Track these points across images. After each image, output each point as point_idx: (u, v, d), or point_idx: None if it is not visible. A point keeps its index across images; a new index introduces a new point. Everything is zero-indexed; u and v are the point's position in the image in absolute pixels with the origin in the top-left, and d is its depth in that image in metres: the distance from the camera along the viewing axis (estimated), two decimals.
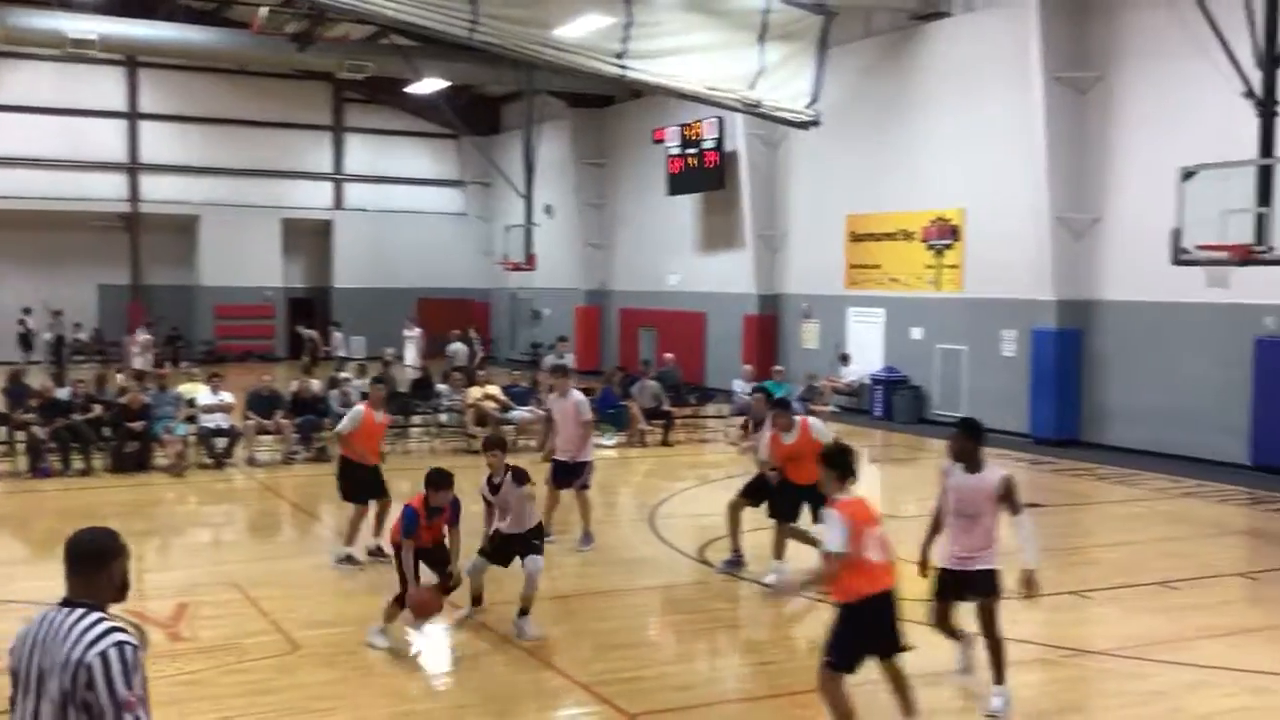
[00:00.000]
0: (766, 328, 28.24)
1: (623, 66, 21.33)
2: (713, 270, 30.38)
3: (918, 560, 7.61)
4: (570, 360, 19.59)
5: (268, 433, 18.16)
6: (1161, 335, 19.20)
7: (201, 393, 18.47)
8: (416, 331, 29.08)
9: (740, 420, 21.09)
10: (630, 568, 11.77)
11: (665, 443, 20.61)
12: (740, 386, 22.27)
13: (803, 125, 23.41)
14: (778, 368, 23.96)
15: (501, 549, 9.32)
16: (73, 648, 3.61)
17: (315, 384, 19.65)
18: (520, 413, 19.82)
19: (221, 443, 17.70)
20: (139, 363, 27.32)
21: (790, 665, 8.73)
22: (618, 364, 28.18)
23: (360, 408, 11.91)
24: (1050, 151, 20.18)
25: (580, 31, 20.95)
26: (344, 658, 8.58)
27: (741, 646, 9.60)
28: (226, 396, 18.27)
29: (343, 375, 20.60)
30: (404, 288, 40.26)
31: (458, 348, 27.93)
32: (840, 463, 6.60)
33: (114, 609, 3.81)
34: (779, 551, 10.85)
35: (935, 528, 7.62)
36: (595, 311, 35.68)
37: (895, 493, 16.13)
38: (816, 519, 10.58)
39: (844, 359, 25.24)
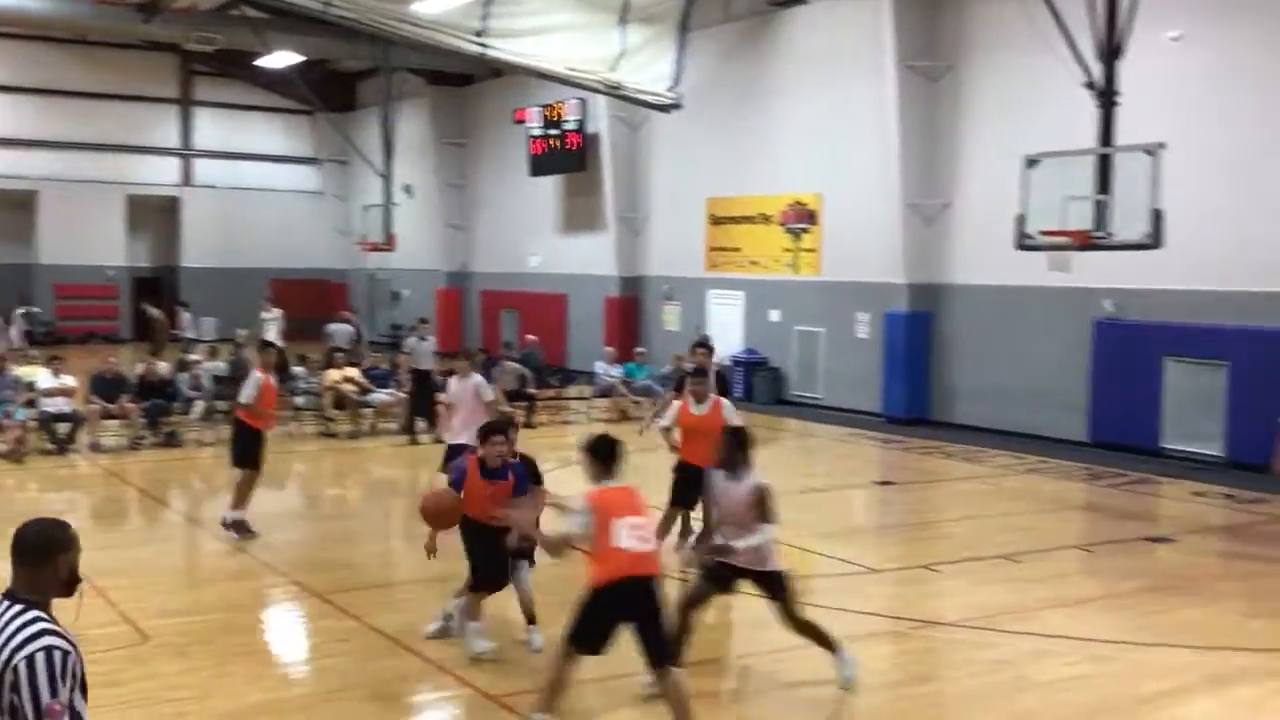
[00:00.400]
0: (628, 310, 28.38)
1: (483, 45, 21.20)
2: (574, 252, 30.36)
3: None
4: (432, 342, 19.37)
5: (113, 417, 17.53)
6: (1006, 318, 19.91)
7: (41, 375, 17.68)
8: (276, 312, 28.27)
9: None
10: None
11: (528, 424, 20.51)
12: (602, 369, 22.36)
13: (664, 108, 23.62)
14: (639, 349, 24.14)
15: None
16: (2, 647, 3.49)
17: (163, 366, 19.05)
18: (380, 395, 19.54)
19: (64, 428, 17.02)
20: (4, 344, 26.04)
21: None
22: (480, 346, 27.97)
23: (257, 374, 12.14)
24: (902, 139, 20.71)
25: (439, 7, 20.72)
26: (197, 647, 8.36)
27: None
28: (68, 380, 17.55)
29: (192, 357, 19.99)
30: (257, 267, 39.16)
31: (339, 328, 27.32)
32: (601, 453, 6.72)
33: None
34: (661, 531, 10.51)
35: (706, 531, 7.72)
36: (456, 293, 35.34)
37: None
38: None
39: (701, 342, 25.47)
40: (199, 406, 18.15)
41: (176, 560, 11.66)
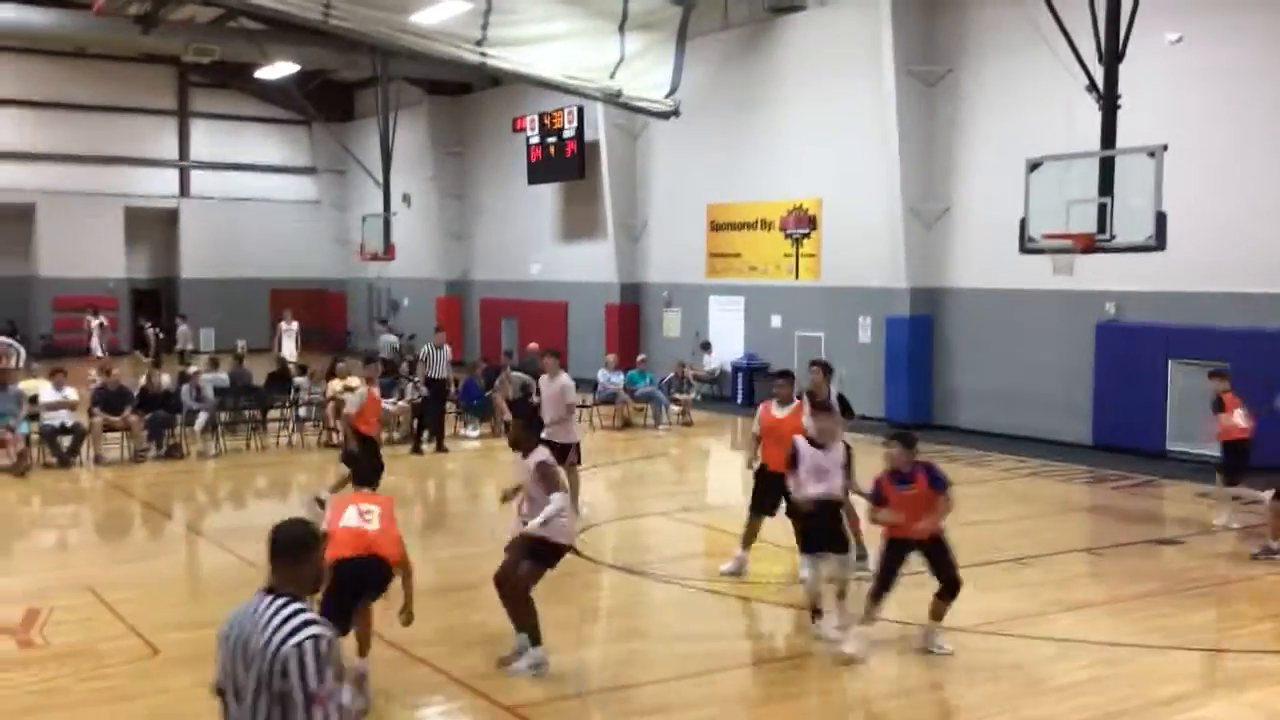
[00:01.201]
0: (628, 317, 28.36)
1: (483, 54, 21.21)
2: (574, 260, 30.36)
3: None
4: (448, 351, 19.35)
5: (115, 430, 17.49)
6: (1008, 321, 19.89)
7: (44, 389, 17.67)
8: (294, 325, 28.44)
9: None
10: (498, 558, 11.68)
11: None
12: (604, 376, 22.33)
13: (663, 115, 23.63)
14: (641, 357, 24.14)
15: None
16: (271, 637, 3.75)
17: (164, 378, 18.99)
18: (383, 405, 19.46)
19: (66, 441, 16.97)
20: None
21: (661, 651, 8.81)
22: (480, 354, 27.99)
23: (364, 389, 13.70)
24: (901, 143, 20.71)
25: (438, 17, 20.74)
26: (207, 660, 8.24)
27: (612, 635, 9.62)
28: (70, 393, 17.52)
29: (193, 369, 19.97)
30: (255, 278, 39.25)
31: (388, 338, 27.75)
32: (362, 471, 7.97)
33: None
34: (746, 541, 10.68)
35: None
36: (456, 302, 35.32)
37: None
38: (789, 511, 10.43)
39: (705, 347, 25.51)
40: (201, 418, 18.11)
41: (182, 573, 11.63)
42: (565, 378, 13.01)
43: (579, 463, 12.97)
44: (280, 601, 3.84)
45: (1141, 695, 7.77)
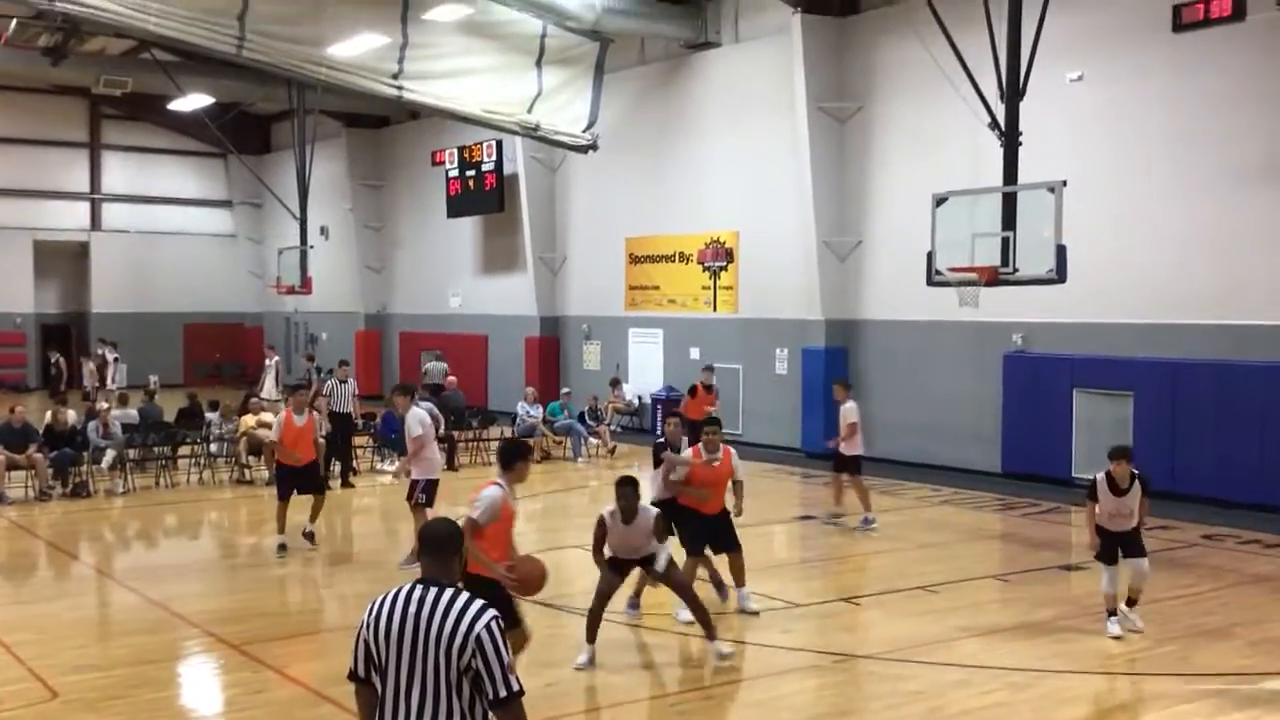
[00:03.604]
0: (548, 349, 28.37)
1: (399, 87, 21.20)
2: (494, 293, 30.33)
3: None
4: (353, 385, 19.15)
5: (19, 468, 17.06)
6: (920, 352, 20.24)
7: None
8: (276, 359, 27.51)
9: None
10: None
11: (450, 466, 20.39)
12: (523, 409, 22.28)
13: (581, 149, 23.78)
14: (566, 390, 24.14)
15: None
16: (456, 622, 4.07)
17: (70, 415, 18.58)
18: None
19: None
20: None
21: (578, 683, 8.82)
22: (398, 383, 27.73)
23: (283, 414, 14.24)
24: (814, 178, 21.05)
25: (355, 51, 20.69)
26: (109, 703, 8.15)
27: (528, 668, 9.57)
28: None
29: (101, 405, 19.56)
30: (169, 312, 38.61)
31: (435, 366, 27.16)
32: (507, 455, 8.39)
33: None
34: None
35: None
36: (375, 335, 35.06)
37: None
38: (721, 550, 10.54)
39: (614, 384, 25.45)
40: (109, 455, 17.74)
41: (87, 614, 11.36)
42: (416, 411, 12.60)
43: (426, 503, 12.19)
44: (450, 591, 4.16)
45: (1043, 719, 7.92)
